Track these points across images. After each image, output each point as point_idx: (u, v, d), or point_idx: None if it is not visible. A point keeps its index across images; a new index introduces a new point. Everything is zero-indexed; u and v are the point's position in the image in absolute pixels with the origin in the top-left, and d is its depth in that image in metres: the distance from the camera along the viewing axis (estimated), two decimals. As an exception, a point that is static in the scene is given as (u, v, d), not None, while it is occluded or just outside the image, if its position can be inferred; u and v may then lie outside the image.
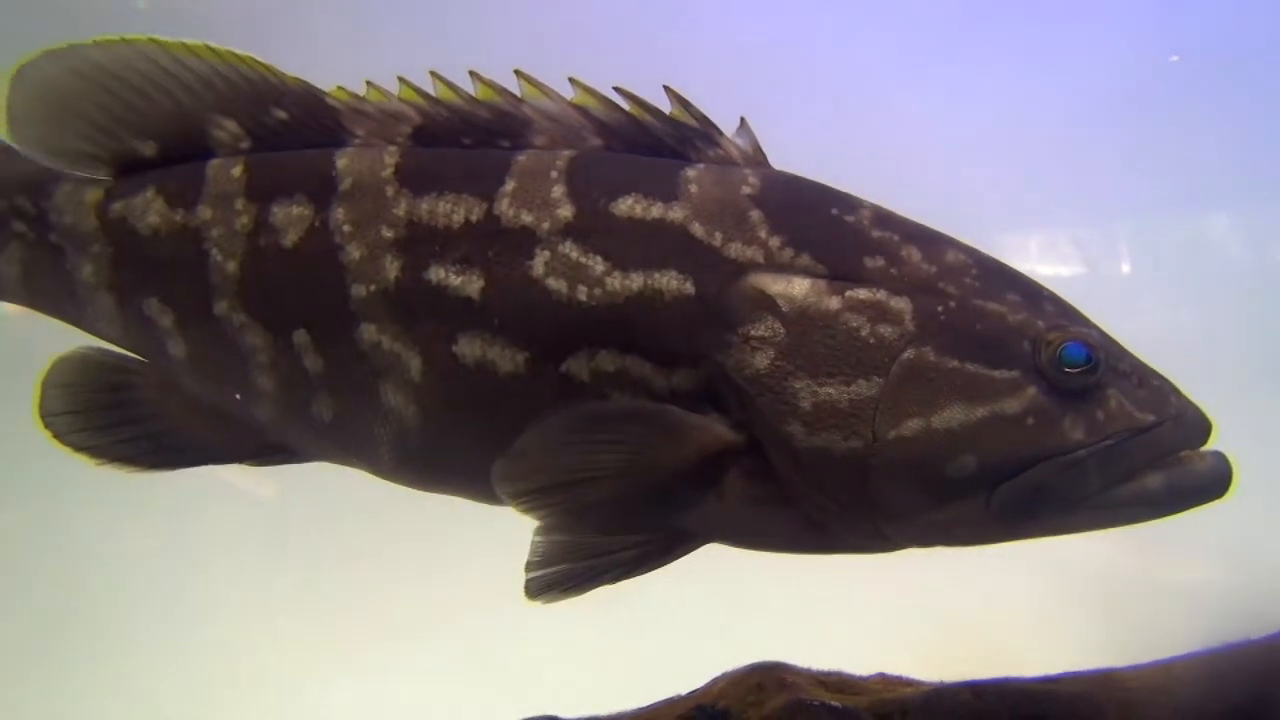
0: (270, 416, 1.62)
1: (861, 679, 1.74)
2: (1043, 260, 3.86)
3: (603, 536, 1.47)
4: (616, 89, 1.55)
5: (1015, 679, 1.64)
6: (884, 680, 1.75)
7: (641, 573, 1.49)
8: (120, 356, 1.71)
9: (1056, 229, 3.89)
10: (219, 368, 1.62)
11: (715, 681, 1.70)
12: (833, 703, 1.59)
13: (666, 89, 1.54)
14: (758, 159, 1.56)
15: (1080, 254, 3.94)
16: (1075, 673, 1.66)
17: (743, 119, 1.58)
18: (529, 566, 1.47)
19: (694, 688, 1.73)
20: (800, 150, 1.61)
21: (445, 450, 1.54)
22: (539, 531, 1.47)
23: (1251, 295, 3.74)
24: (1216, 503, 1.42)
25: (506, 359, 1.46)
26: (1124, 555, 2.68)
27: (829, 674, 1.73)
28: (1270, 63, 3.69)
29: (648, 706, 1.68)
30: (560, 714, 1.67)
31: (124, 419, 1.68)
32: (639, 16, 3.49)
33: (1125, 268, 4.00)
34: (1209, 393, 1.50)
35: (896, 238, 1.47)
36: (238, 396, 1.62)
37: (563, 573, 1.46)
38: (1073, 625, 2.64)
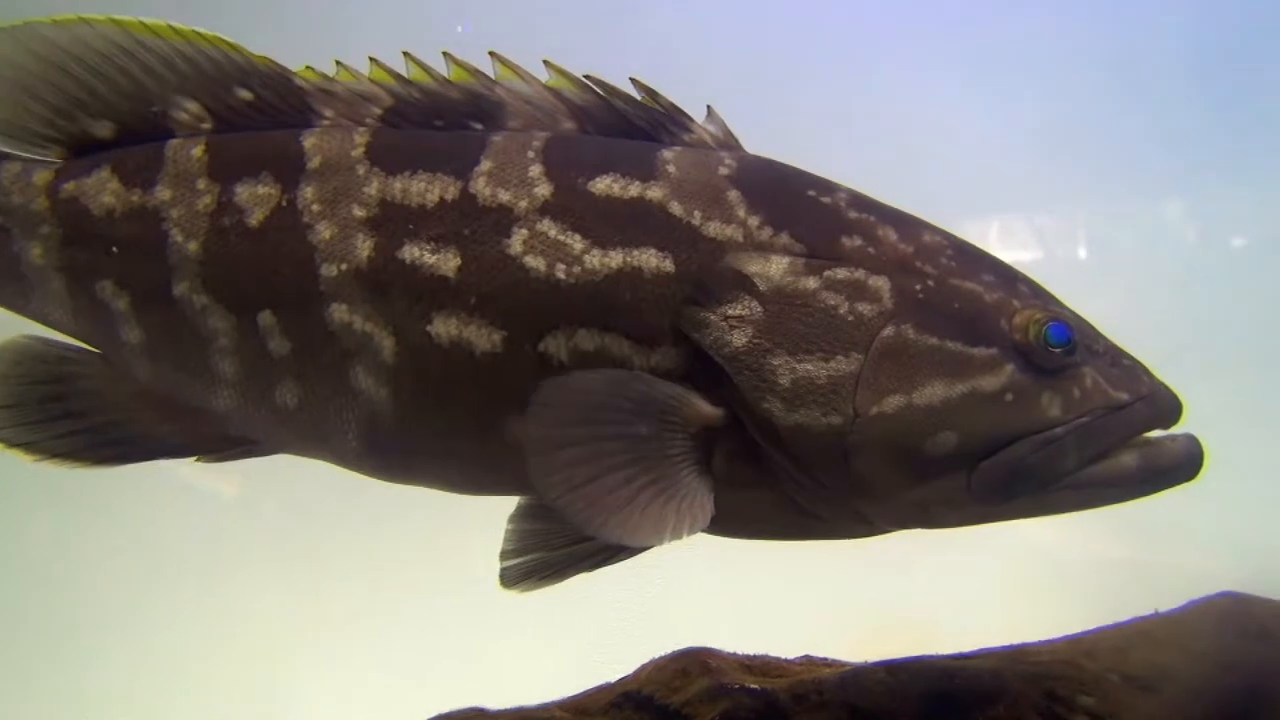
0: (231, 405, 1.57)
1: (786, 662, 1.78)
2: (1002, 246, 3.89)
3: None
4: (587, 77, 1.56)
5: (930, 657, 1.69)
6: (809, 662, 1.79)
7: (620, 559, 1.49)
8: (61, 346, 1.65)
9: (1015, 215, 3.93)
10: (177, 353, 1.57)
11: (643, 668, 1.74)
12: (751, 685, 1.63)
13: (633, 80, 1.56)
14: (730, 143, 1.58)
15: (1038, 239, 3.98)
16: (988, 649, 1.70)
17: (709, 107, 1.60)
18: (504, 555, 1.46)
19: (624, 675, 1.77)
20: (757, 137, 1.61)
21: (417, 435, 1.51)
22: (513, 519, 1.48)
23: (1205, 281, 3.77)
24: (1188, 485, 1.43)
25: (483, 338, 1.44)
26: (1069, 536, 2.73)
27: (754, 657, 1.77)
28: (1224, 51, 3.73)
29: (577, 695, 1.72)
30: (488, 706, 1.70)
31: (64, 412, 1.62)
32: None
33: (1082, 253, 4.04)
34: (1163, 378, 1.53)
35: (873, 219, 1.48)
36: (196, 384, 1.58)
37: (539, 560, 1.46)
38: (1020, 610, 2.68)
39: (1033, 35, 3.72)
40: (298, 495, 2.91)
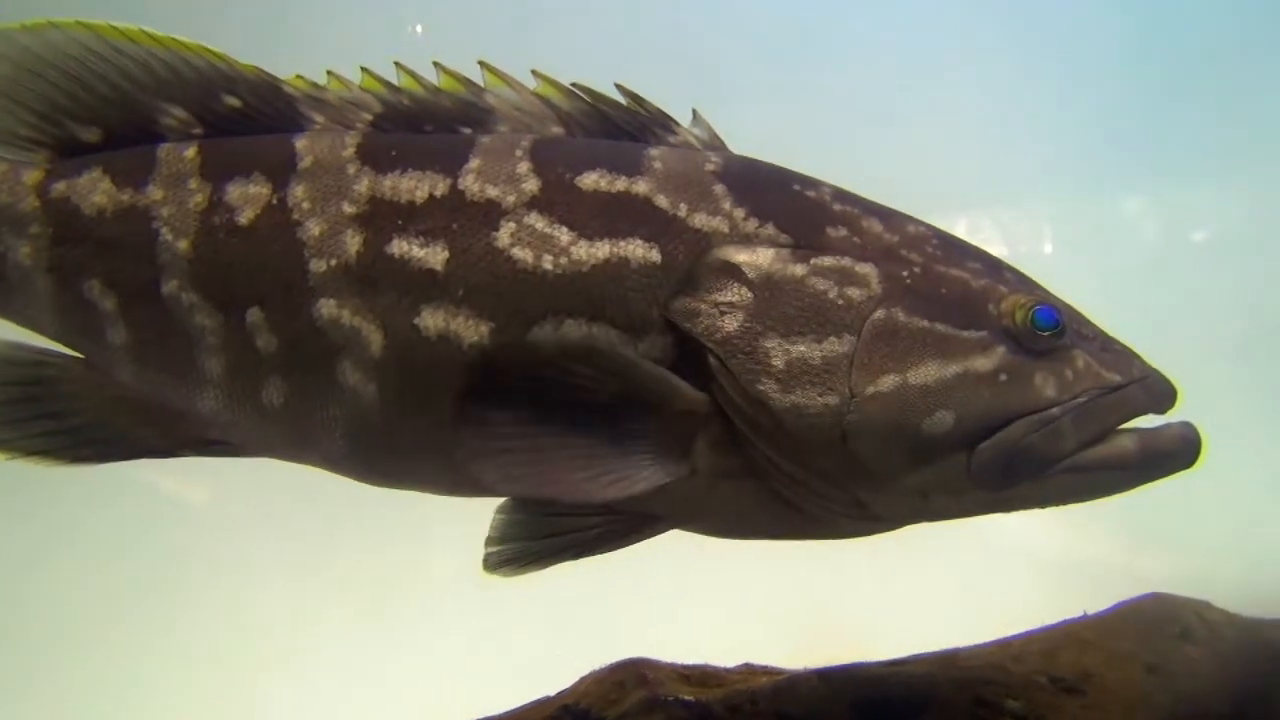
0: (216, 405, 1.57)
1: (724, 671, 1.79)
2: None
3: (568, 516, 1.49)
4: (574, 85, 1.58)
5: (864, 663, 1.70)
6: (748, 670, 1.80)
7: (601, 551, 1.50)
8: (36, 349, 1.65)
9: (980, 211, 3.95)
10: (162, 353, 1.57)
11: (582, 680, 1.75)
12: (685, 697, 1.64)
13: (618, 86, 1.58)
14: (715, 145, 1.60)
15: (1003, 235, 4.00)
16: (921, 654, 1.72)
17: (695, 111, 1.62)
18: (489, 541, 1.48)
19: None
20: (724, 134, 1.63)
21: (403, 431, 1.52)
22: (500, 511, 1.49)
23: (1165, 275, 3.79)
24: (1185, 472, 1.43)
25: (471, 330, 1.45)
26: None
27: (692, 667, 1.78)
28: (1188, 44, 3.75)
29: (515, 709, 1.73)
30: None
31: (40, 413, 1.62)
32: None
33: (1047, 248, 4.06)
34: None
35: (857, 210, 1.50)
36: (181, 385, 1.58)
37: (521, 548, 1.47)
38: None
39: (995, 32, 3.73)
40: (267, 503, 2.92)
